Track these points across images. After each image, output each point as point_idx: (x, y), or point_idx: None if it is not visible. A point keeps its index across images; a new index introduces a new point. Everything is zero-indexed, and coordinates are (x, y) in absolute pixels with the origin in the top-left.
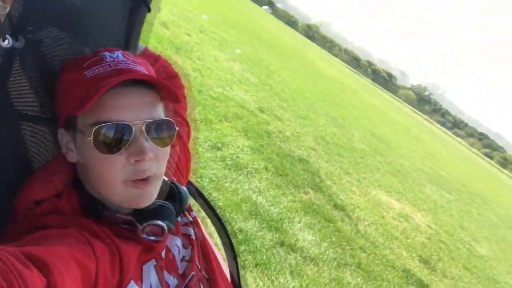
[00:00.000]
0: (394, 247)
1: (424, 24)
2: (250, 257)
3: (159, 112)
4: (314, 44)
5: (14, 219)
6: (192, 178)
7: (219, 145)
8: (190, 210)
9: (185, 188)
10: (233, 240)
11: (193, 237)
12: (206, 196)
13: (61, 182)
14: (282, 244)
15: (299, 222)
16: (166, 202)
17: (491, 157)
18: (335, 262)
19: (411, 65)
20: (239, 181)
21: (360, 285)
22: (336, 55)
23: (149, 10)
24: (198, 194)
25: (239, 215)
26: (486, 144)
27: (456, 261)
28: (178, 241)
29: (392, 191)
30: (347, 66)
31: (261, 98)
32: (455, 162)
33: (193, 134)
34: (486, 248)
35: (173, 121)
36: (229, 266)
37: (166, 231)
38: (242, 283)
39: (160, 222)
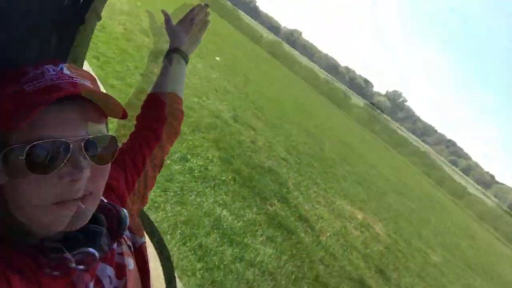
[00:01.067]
0: (352, 258)
1: None
2: (207, 274)
3: (101, 128)
4: (295, 50)
5: None
6: (155, 192)
7: (189, 156)
8: (140, 235)
9: (125, 211)
10: (192, 257)
11: (130, 267)
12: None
13: None
14: (241, 259)
15: (262, 235)
16: (99, 227)
17: (456, 164)
18: (293, 276)
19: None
20: (204, 193)
21: None
22: (316, 62)
23: (99, 19)
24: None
25: (200, 229)
26: (453, 151)
27: (410, 270)
28: (110, 271)
29: (356, 200)
30: (326, 73)
31: (237, 107)
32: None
33: None
34: (440, 256)
35: (115, 137)
36: None
37: (97, 259)
38: None
39: (91, 250)
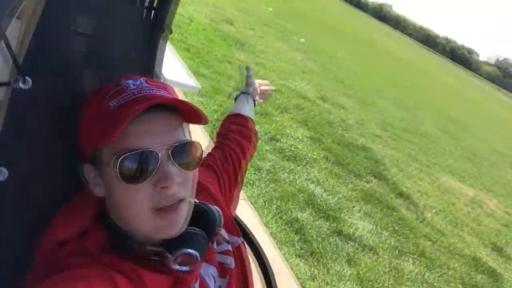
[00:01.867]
0: (463, 235)
1: None
2: (306, 245)
3: (185, 135)
4: (386, 25)
5: (37, 265)
6: (249, 170)
7: (278, 136)
8: (237, 235)
9: (217, 208)
10: (289, 230)
11: (231, 266)
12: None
13: (85, 220)
14: (339, 233)
15: (359, 211)
16: (197, 229)
17: None
18: (396, 251)
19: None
20: (296, 171)
21: (422, 273)
22: (410, 35)
23: (170, 32)
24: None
25: (295, 205)
26: None
27: None
28: (213, 270)
29: (465, 176)
30: (423, 45)
31: (324, 87)
32: None
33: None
34: None
35: (199, 142)
36: None
37: (199, 259)
38: None
39: (191, 251)
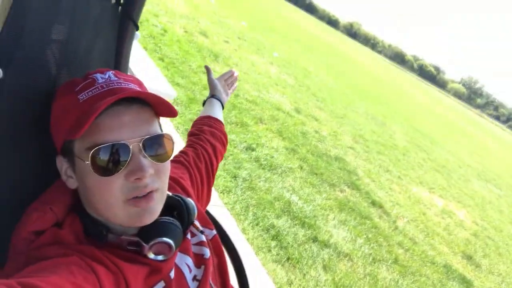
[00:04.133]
0: (434, 243)
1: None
2: (282, 252)
3: (156, 128)
4: (356, 42)
5: (14, 255)
6: (226, 178)
7: (254, 146)
8: (211, 228)
9: (191, 201)
10: (266, 236)
11: (206, 256)
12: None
13: (61, 210)
14: (314, 240)
15: (334, 219)
16: (171, 218)
17: None
18: (371, 258)
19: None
20: (272, 180)
21: (396, 280)
22: (379, 52)
23: (137, 28)
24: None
25: (271, 212)
26: None
27: (504, 257)
28: (189, 260)
29: (435, 187)
30: (392, 62)
31: (298, 99)
32: (508, 157)
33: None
34: None
35: (170, 135)
36: None
37: (174, 248)
38: None
39: (166, 239)
